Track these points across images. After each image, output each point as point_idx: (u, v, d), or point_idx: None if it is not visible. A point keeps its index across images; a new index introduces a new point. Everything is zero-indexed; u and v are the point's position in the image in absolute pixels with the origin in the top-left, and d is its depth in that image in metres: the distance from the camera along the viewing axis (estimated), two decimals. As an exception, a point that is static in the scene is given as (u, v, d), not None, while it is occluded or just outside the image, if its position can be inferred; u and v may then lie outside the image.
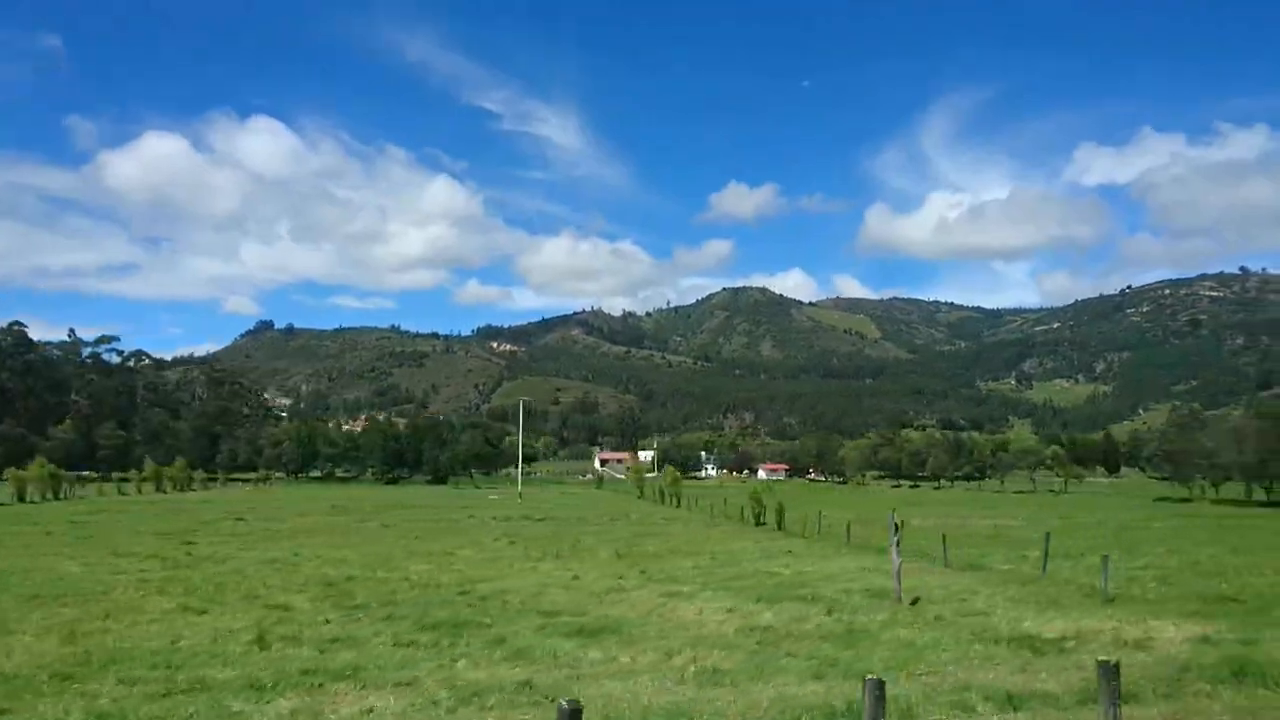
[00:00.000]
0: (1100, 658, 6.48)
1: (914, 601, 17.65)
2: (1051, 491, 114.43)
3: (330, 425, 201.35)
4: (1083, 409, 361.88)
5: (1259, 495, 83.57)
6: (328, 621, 15.25)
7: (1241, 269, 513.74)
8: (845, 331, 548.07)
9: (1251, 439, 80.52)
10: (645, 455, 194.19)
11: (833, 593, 18.91)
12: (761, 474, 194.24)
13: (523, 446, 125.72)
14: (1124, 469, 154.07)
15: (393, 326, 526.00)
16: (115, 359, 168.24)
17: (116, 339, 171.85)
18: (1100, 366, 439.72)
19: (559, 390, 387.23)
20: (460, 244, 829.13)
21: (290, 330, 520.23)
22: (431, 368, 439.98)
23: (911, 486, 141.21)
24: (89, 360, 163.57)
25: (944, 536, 26.05)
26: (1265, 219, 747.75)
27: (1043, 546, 23.76)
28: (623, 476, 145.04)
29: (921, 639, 13.37)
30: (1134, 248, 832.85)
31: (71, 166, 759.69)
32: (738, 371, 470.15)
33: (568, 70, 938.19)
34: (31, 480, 70.46)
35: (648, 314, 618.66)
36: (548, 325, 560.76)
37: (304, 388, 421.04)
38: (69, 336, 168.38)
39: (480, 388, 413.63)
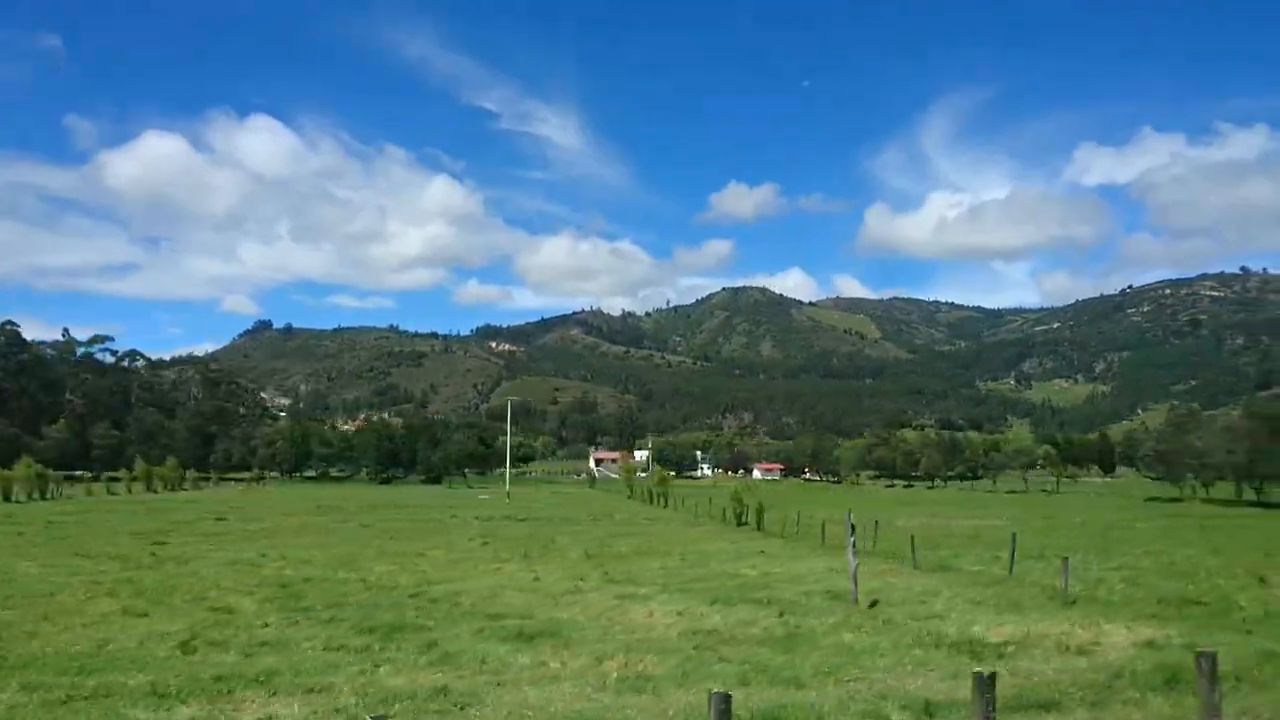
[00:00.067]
0: (976, 670, 6.22)
1: (872, 604, 17.37)
2: (1044, 491, 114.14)
3: (326, 425, 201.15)
4: (1081, 409, 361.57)
5: (1249, 495, 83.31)
6: (266, 625, 14.97)
7: (1242, 269, 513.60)
8: (845, 331, 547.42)
9: (1242, 439, 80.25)
10: (641, 455, 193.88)
11: (793, 595, 18.64)
12: (756, 474, 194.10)
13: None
14: (1120, 469, 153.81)
15: (392, 326, 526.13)
16: (109, 359, 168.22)
17: (111, 339, 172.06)
18: (1100, 366, 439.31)
19: (558, 390, 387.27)
20: (459, 244, 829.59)
21: (289, 330, 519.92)
22: (430, 367, 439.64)
23: (905, 486, 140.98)
24: (83, 360, 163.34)
25: (912, 538, 25.76)
26: (1265, 219, 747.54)
27: (1018, 548, 23.52)
28: (616, 476, 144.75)
29: (861, 643, 13.09)
30: (1134, 248, 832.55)
31: (71, 166, 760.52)
32: (737, 371, 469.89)
33: (567, 70, 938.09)
34: (18, 480, 70.21)
35: (647, 314, 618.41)
36: (547, 325, 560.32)
37: (303, 387, 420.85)
38: (63, 336, 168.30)
39: (479, 387, 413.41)
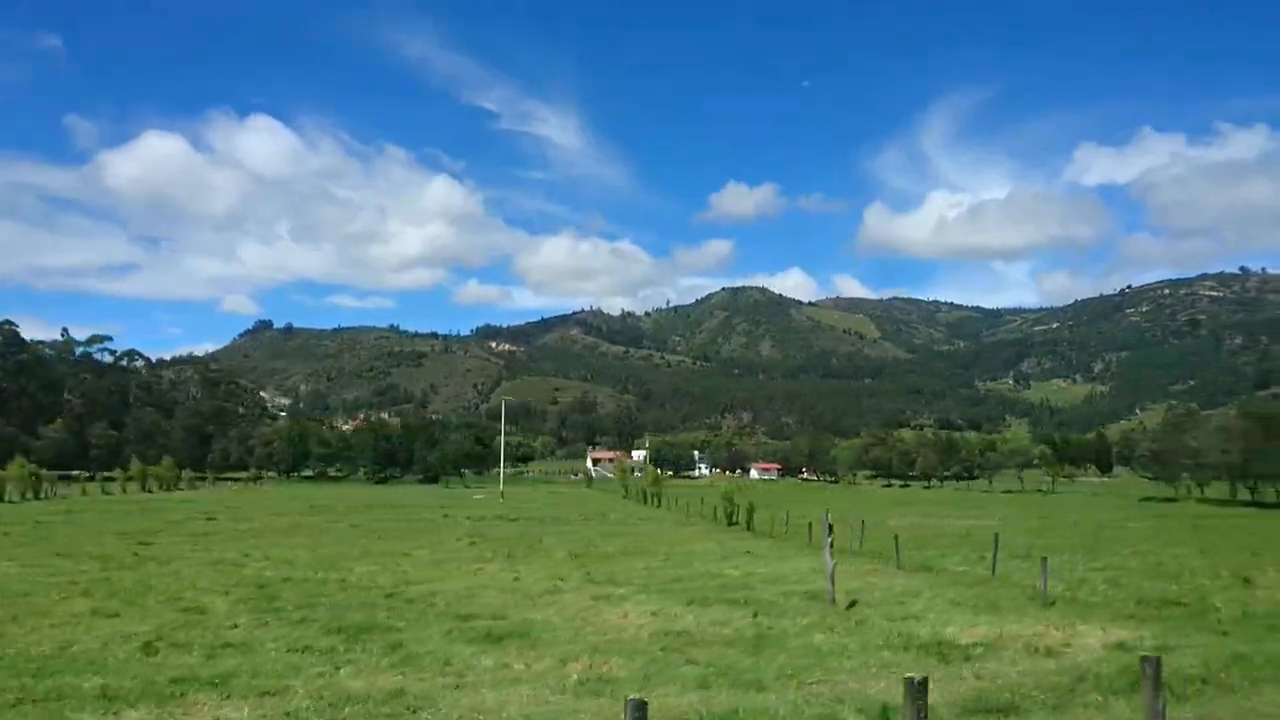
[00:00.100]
0: (908, 676, 6.09)
1: (851, 604, 17.27)
2: (1040, 491, 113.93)
3: (325, 425, 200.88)
4: (1080, 409, 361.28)
5: (1244, 495, 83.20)
6: (235, 626, 14.86)
7: (1241, 269, 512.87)
8: (844, 331, 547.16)
9: (1237, 439, 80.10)
10: (638, 455, 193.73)
11: (771, 595, 18.54)
12: (754, 473, 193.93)
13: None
14: (1117, 469, 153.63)
15: (392, 326, 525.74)
16: (108, 359, 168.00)
17: (109, 339, 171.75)
18: (1099, 366, 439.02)
19: (558, 390, 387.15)
20: (459, 244, 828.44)
21: (289, 330, 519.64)
22: (430, 367, 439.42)
23: (902, 486, 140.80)
24: (82, 360, 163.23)
25: (896, 537, 25.65)
26: (1265, 219, 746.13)
27: (1006, 548, 23.43)
28: (613, 476, 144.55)
29: (831, 644, 12.97)
30: (1134, 248, 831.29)
31: (71, 166, 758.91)
32: (736, 371, 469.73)
33: (567, 70, 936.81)
34: (11, 480, 70.09)
35: (647, 314, 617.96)
36: (547, 325, 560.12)
37: (303, 387, 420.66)
38: (62, 336, 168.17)
39: (479, 387, 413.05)
